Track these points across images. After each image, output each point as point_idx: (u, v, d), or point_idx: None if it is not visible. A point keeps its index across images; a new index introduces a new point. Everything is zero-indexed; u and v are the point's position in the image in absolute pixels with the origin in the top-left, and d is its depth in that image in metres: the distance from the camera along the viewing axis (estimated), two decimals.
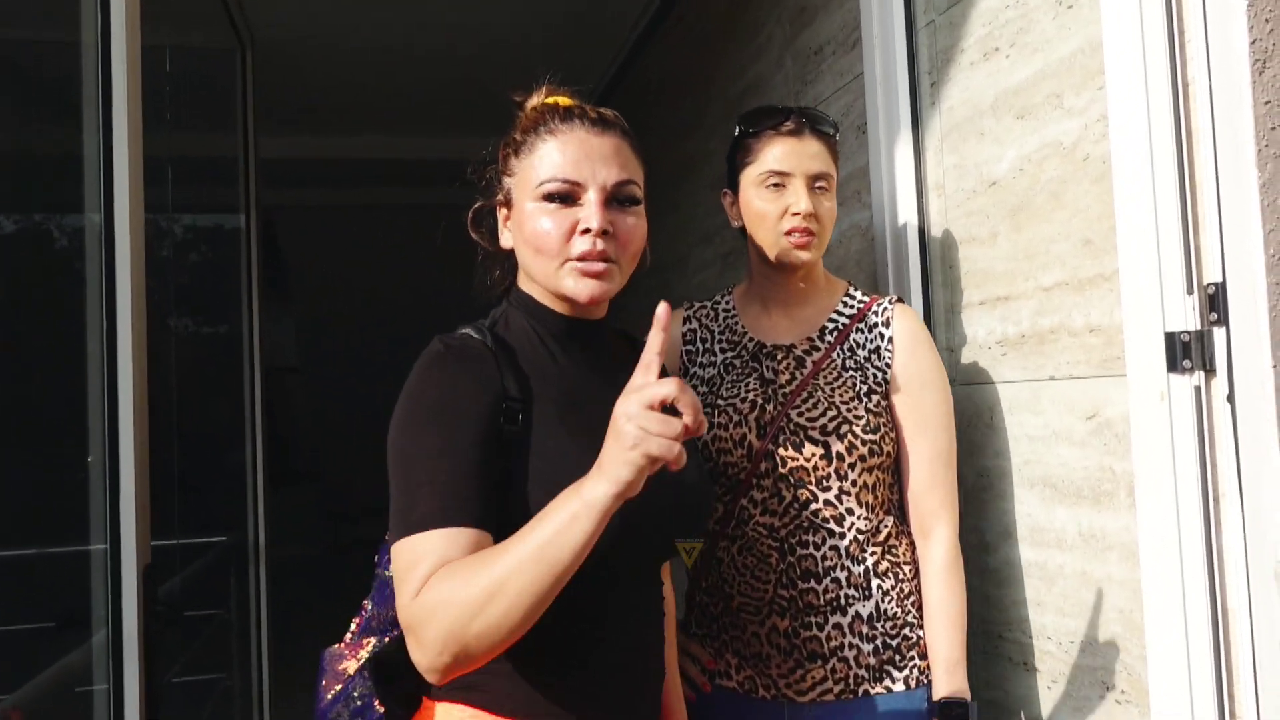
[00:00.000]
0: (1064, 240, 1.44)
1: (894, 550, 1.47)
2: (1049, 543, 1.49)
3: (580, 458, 0.97)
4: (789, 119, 1.50)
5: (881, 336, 1.51)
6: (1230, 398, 1.13)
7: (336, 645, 1.20)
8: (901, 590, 1.46)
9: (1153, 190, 1.19)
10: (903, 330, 1.51)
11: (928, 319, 1.74)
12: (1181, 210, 1.17)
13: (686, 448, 0.90)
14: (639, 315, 1.14)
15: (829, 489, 1.44)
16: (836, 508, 1.44)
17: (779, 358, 1.53)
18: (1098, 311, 1.38)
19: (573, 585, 0.95)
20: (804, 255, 1.49)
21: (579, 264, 1.11)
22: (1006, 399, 1.58)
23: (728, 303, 1.63)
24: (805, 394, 1.48)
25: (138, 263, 1.53)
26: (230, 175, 3.30)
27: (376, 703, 1.15)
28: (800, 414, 1.46)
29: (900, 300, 1.58)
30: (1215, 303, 1.14)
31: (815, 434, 1.45)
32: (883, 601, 1.44)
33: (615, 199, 1.13)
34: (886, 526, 1.47)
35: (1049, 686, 1.51)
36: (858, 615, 1.43)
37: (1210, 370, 1.15)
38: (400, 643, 1.16)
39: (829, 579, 1.43)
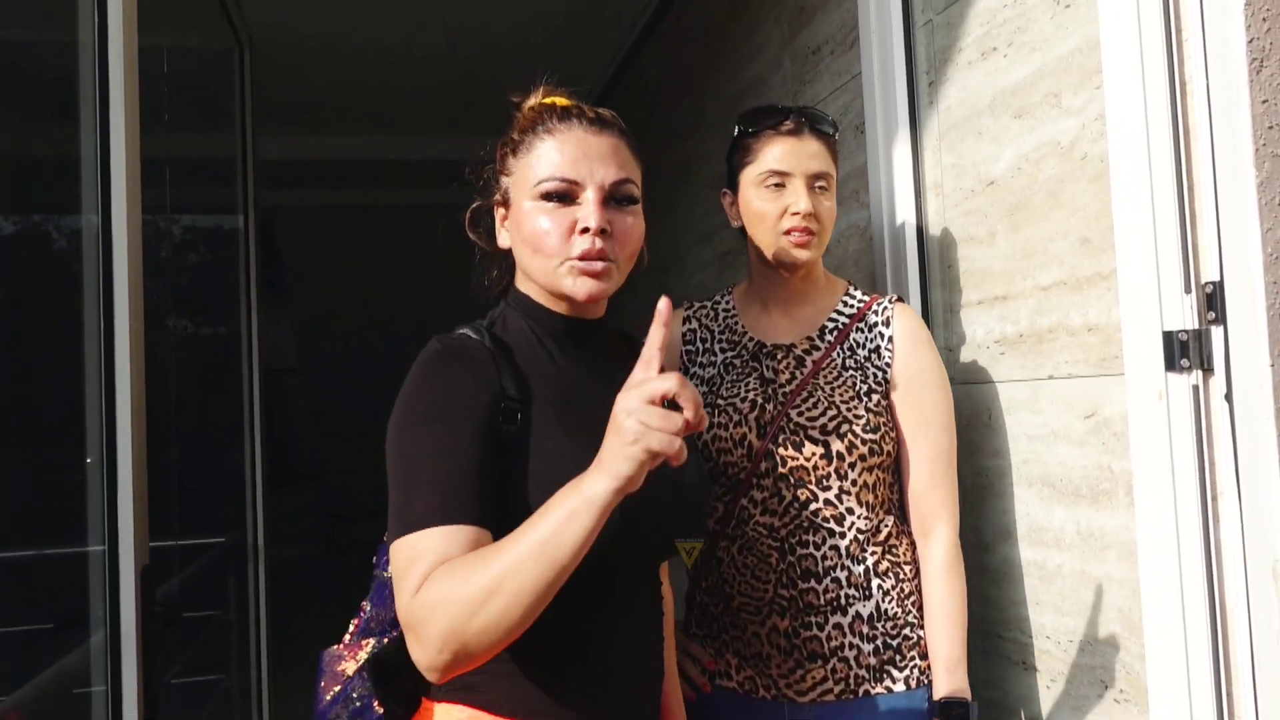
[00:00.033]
0: (1062, 239, 1.44)
1: (894, 550, 1.47)
2: (1047, 542, 1.49)
3: (579, 457, 0.97)
4: (788, 118, 1.50)
5: (882, 336, 1.51)
6: (1228, 396, 1.13)
7: (335, 646, 1.20)
8: (902, 590, 1.46)
9: (1150, 189, 1.19)
10: (903, 329, 1.51)
11: (926, 318, 1.74)
12: (1179, 209, 1.17)
13: (686, 446, 0.90)
14: (636, 315, 1.14)
15: (829, 488, 1.44)
16: (837, 507, 1.44)
17: (779, 357, 1.53)
18: (1096, 310, 1.38)
19: (572, 585, 0.95)
20: (804, 254, 1.49)
21: (578, 263, 1.11)
22: (1005, 398, 1.58)
23: (728, 302, 1.63)
24: (805, 393, 1.48)
25: (135, 264, 1.53)
26: (228, 176, 3.30)
27: (375, 703, 1.15)
28: (800, 413, 1.46)
29: (901, 299, 1.58)
30: (1213, 301, 1.14)
31: (815, 433, 1.44)
32: (883, 601, 1.44)
33: (613, 198, 1.13)
34: (887, 526, 1.47)
35: (1048, 685, 1.51)
36: (858, 615, 1.43)
37: (1208, 369, 1.15)
38: (399, 643, 1.16)
39: (829, 579, 1.43)
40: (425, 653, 0.94)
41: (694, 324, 1.62)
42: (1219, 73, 1.13)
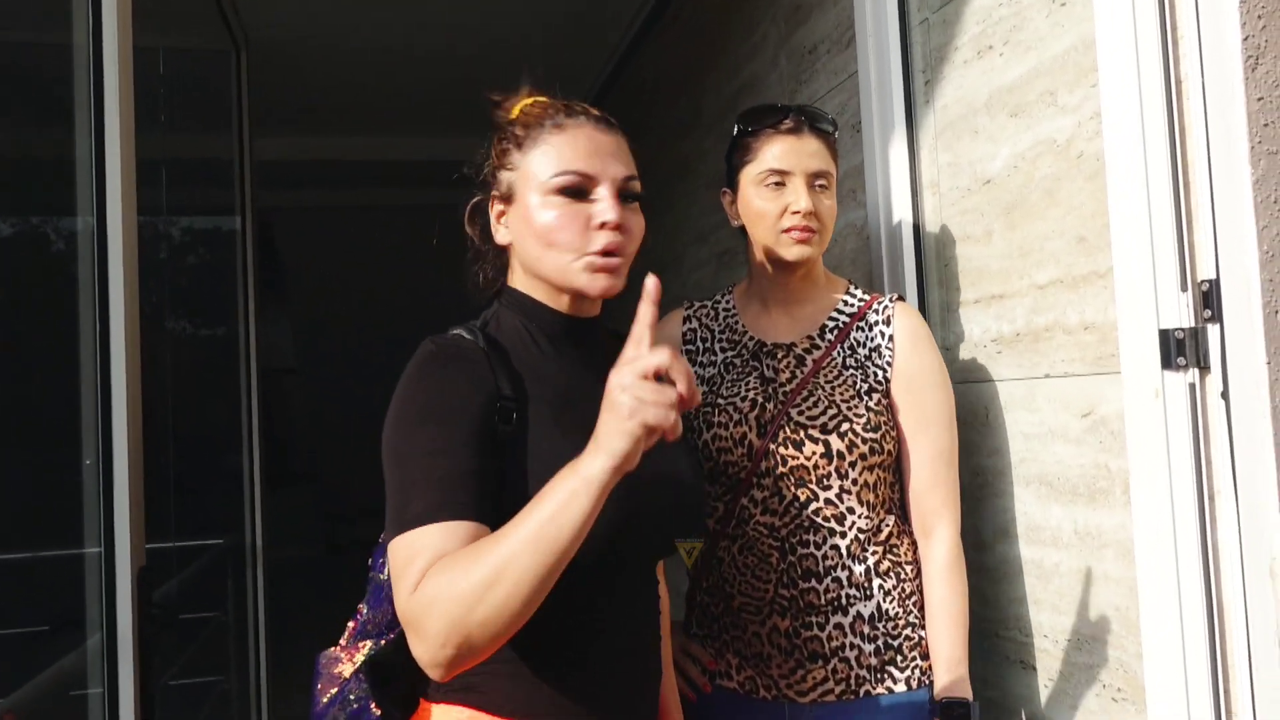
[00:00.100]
0: (1058, 238, 1.44)
1: (895, 550, 1.47)
2: (1045, 540, 1.49)
3: (576, 456, 0.97)
4: (788, 117, 1.49)
5: (882, 335, 1.51)
6: (1225, 394, 1.13)
7: (331, 649, 1.20)
8: (903, 590, 1.46)
9: (1146, 187, 1.19)
10: (903, 328, 1.51)
11: (923, 317, 1.74)
12: (1175, 207, 1.16)
13: (680, 447, 0.90)
14: (633, 314, 1.14)
15: (830, 488, 1.44)
16: (837, 507, 1.44)
17: (779, 356, 1.53)
18: (1092, 309, 1.37)
19: (572, 585, 0.95)
20: (804, 252, 1.48)
21: (598, 258, 1.10)
22: (1002, 397, 1.58)
23: (728, 302, 1.63)
24: (805, 392, 1.48)
25: (130, 265, 1.53)
26: (226, 178, 3.30)
27: (373, 705, 1.14)
28: (801, 412, 1.46)
29: (901, 298, 1.58)
30: (1209, 299, 1.14)
31: (816, 432, 1.44)
32: (884, 601, 1.44)
33: (622, 194, 1.14)
34: (888, 526, 1.47)
35: (1046, 684, 1.51)
36: (859, 615, 1.43)
37: (1205, 367, 1.15)
38: (396, 645, 1.16)
39: (830, 578, 1.43)
40: (428, 649, 0.93)
41: (694, 323, 1.62)
42: (1214, 70, 1.13)
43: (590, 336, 1.21)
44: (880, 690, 1.42)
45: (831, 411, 1.45)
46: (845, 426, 1.44)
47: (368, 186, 6.82)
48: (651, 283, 0.94)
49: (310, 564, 6.48)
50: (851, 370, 1.50)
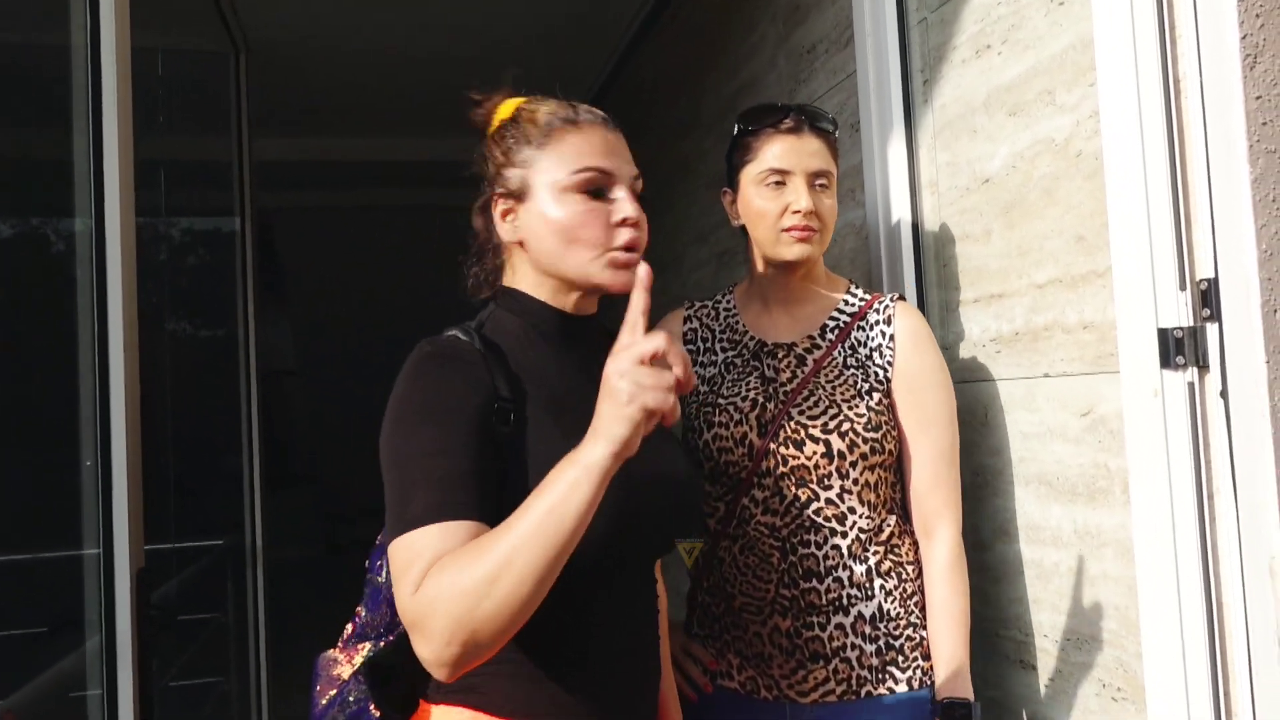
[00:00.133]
0: (1057, 237, 1.44)
1: (896, 550, 1.47)
2: (1045, 540, 1.49)
3: None
4: (788, 116, 1.49)
5: (883, 334, 1.51)
6: (1224, 393, 1.13)
7: (330, 650, 1.19)
8: (904, 590, 1.46)
9: (1145, 186, 1.18)
10: (904, 328, 1.51)
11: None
12: (1173, 206, 1.16)
13: (677, 447, 0.90)
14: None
15: (830, 487, 1.44)
16: (838, 506, 1.44)
17: (780, 356, 1.52)
18: (1091, 308, 1.37)
19: (572, 585, 0.94)
20: (805, 251, 1.48)
21: (621, 254, 1.11)
22: (1001, 396, 1.58)
23: (728, 301, 1.63)
24: (806, 392, 1.48)
25: (129, 267, 1.53)
26: (225, 179, 3.30)
27: (372, 706, 1.14)
28: (801, 412, 1.46)
29: (902, 298, 1.58)
30: (1208, 298, 1.14)
31: (816, 432, 1.44)
32: (885, 601, 1.44)
33: (633, 193, 1.15)
34: (889, 526, 1.47)
35: (1046, 684, 1.50)
36: (860, 615, 1.43)
37: (1203, 366, 1.15)
38: (395, 646, 1.16)
39: (831, 578, 1.43)
40: (432, 648, 0.93)
41: (695, 323, 1.62)
42: (1212, 69, 1.13)
43: (588, 335, 1.21)
44: (881, 690, 1.42)
45: (832, 411, 1.45)
46: (846, 426, 1.44)
47: (368, 187, 6.82)
48: (644, 270, 0.96)
49: (310, 564, 6.47)
50: (852, 370, 1.50)
